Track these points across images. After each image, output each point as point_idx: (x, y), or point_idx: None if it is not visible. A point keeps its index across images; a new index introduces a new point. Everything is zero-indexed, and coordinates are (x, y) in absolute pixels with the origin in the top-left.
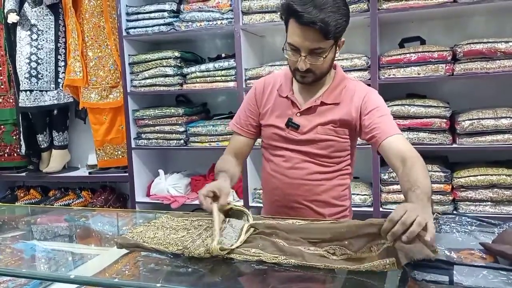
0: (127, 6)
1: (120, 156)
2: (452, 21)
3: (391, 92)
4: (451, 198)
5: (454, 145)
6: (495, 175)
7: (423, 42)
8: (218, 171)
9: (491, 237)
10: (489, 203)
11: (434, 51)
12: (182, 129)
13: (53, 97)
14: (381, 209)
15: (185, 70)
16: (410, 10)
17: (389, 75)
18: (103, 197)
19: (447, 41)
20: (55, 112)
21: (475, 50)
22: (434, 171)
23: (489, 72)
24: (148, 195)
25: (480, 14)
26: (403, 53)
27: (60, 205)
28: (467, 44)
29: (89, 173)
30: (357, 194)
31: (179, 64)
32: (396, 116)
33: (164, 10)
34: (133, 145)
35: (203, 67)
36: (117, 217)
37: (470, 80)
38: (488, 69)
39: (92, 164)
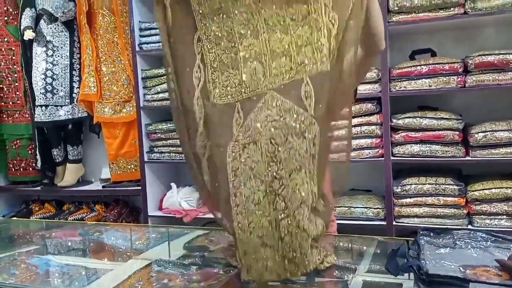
0: (140, 22)
1: (133, 170)
2: (463, 33)
3: (402, 104)
4: (465, 211)
5: (468, 158)
6: (510, 188)
7: (433, 54)
8: None
9: (507, 254)
10: (505, 216)
11: (445, 63)
12: None
13: (68, 112)
14: (394, 223)
15: None
16: (420, 22)
17: (400, 88)
18: (116, 211)
19: (458, 52)
20: (70, 126)
21: (486, 62)
22: (447, 184)
23: (501, 84)
24: (160, 208)
25: (491, 26)
26: (413, 65)
27: (74, 219)
28: (479, 56)
29: (103, 186)
30: (370, 208)
31: None
32: (408, 129)
33: None
34: (145, 159)
35: None
36: (131, 232)
37: (482, 91)
38: (500, 81)
39: (106, 178)
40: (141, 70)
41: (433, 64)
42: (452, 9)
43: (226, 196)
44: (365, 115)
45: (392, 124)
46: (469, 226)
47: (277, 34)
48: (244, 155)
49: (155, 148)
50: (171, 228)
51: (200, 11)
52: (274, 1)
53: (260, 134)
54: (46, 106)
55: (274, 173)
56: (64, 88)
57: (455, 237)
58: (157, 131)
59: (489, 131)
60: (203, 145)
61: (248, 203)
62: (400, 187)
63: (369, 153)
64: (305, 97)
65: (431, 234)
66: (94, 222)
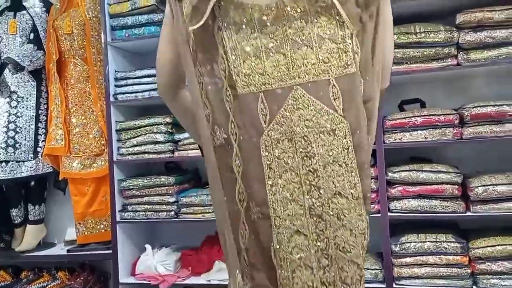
0: (115, 71)
1: (103, 230)
2: (452, 83)
3: (394, 155)
4: (469, 271)
5: (469, 213)
6: None
7: (423, 104)
8: None
9: None
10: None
11: (440, 115)
12: (173, 199)
13: (30, 167)
14: (394, 286)
15: (177, 137)
16: (412, 73)
17: (395, 139)
18: (82, 278)
19: (448, 103)
20: (32, 183)
21: (483, 113)
22: (449, 242)
23: (498, 136)
24: (133, 274)
25: (482, 77)
26: (407, 117)
27: None
28: (474, 107)
29: (67, 250)
30: (367, 269)
31: (171, 130)
32: (405, 183)
33: (155, 75)
34: (118, 218)
35: None
36: None
37: (478, 143)
38: (498, 133)
39: (71, 239)
40: (116, 121)
41: (428, 115)
42: (445, 60)
43: (259, 185)
44: None
45: (388, 178)
46: (474, 287)
47: (297, 21)
48: (278, 150)
49: (128, 206)
50: None
51: None
52: None
53: (294, 133)
54: (7, 162)
55: (309, 167)
56: (28, 142)
57: None
58: (131, 187)
59: (490, 185)
60: (234, 132)
61: (284, 192)
62: (398, 245)
63: None
64: (333, 98)
65: None
66: None
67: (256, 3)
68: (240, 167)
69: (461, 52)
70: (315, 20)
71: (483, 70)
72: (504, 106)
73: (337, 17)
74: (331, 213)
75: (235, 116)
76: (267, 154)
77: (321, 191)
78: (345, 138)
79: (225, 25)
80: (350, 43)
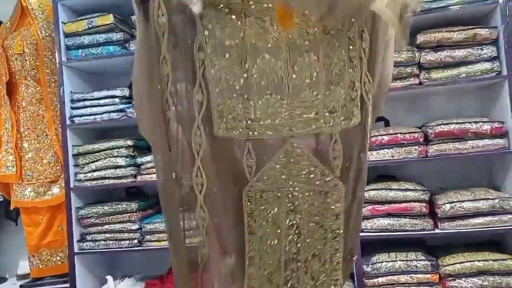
0: (71, 92)
1: (59, 263)
2: (415, 101)
3: None
4: None
5: (437, 230)
6: (482, 260)
7: (387, 122)
8: None
9: None
10: None
11: (406, 133)
12: (135, 226)
13: None
14: None
15: (139, 160)
16: None
17: None
18: None
19: (411, 120)
20: None
21: (446, 131)
22: (419, 260)
23: (462, 153)
24: None
25: (442, 95)
26: (374, 136)
27: None
28: (438, 125)
29: (20, 286)
30: None
31: (132, 154)
32: (374, 202)
33: (115, 96)
34: (76, 249)
35: None
36: None
37: (441, 159)
38: (461, 150)
39: (24, 273)
40: (72, 146)
41: (393, 134)
42: (408, 79)
43: (238, 235)
44: None
45: None
46: None
47: (304, 54)
48: (261, 201)
49: (87, 236)
50: None
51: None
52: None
53: (282, 189)
54: None
55: (292, 221)
56: None
57: None
58: (90, 215)
59: (456, 201)
60: (199, 181)
61: (262, 243)
62: (370, 265)
63: None
64: (333, 157)
65: None
66: None
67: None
68: (205, 221)
69: (422, 71)
70: (323, 54)
71: (444, 88)
72: (466, 123)
73: (349, 50)
74: (307, 272)
75: (203, 162)
76: (249, 204)
77: (300, 249)
78: (337, 203)
79: (210, 45)
80: (358, 87)
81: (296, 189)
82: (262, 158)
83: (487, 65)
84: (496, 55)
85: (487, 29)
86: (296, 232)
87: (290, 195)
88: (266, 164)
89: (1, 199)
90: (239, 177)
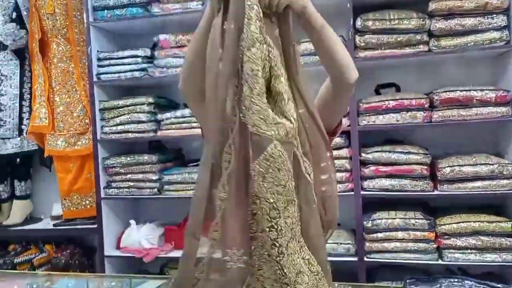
0: (98, 51)
1: (88, 206)
2: (426, 69)
3: (370, 138)
4: (435, 246)
5: (436, 192)
6: (478, 221)
7: (398, 88)
8: None
9: None
10: (474, 250)
11: (412, 99)
12: (156, 177)
13: (15, 144)
14: (365, 259)
15: (160, 116)
16: (387, 59)
17: (369, 122)
18: (68, 251)
19: (421, 87)
20: (18, 160)
21: (451, 97)
22: (417, 219)
23: (466, 120)
24: (118, 247)
25: (452, 63)
26: (381, 100)
27: (21, 261)
28: (444, 92)
29: (54, 225)
30: (340, 243)
31: (153, 110)
32: (377, 163)
33: (137, 56)
34: (102, 195)
35: (178, 113)
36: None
37: (447, 126)
38: (465, 116)
39: (57, 215)
40: (99, 101)
41: (400, 99)
42: (417, 46)
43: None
44: (334, 149)
45: (361, 158)
46: (439, 261)
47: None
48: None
49: (112, 183)
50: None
51: None
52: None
53: (262, 192)
54: None
55: (273, 239)
56: (13, 119)
57: (443, 285)
58: (115, 165)
59: (456, 165)
60: (227, 158)
61: (262, 251)
62: (370, 221)
63: (339, 187)
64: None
65: (418, 282)
66: (45, 273)
67: None
68: (223, 201)
69: (432, 39)
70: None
71: (453, 56)
72: (472, 91)
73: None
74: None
75: (234, 141)
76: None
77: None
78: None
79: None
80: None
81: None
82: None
83: (496, 34)
84: (506, 24)
85: None
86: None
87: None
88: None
89: (36, 148)
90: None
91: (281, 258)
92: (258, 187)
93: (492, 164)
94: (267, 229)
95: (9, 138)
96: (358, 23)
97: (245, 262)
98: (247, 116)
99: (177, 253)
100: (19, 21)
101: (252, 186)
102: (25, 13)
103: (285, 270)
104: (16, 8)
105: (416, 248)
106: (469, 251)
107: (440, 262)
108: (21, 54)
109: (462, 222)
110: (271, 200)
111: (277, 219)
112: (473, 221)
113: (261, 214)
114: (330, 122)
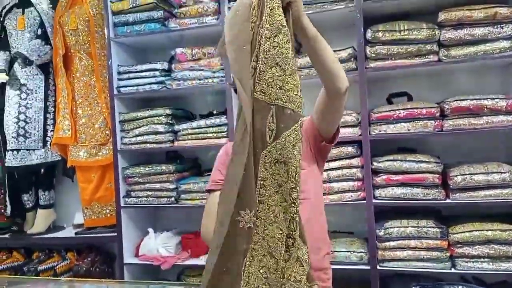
0: (118, 65)
1: (108, 215)
2: (437, 78)
3: (381, 146)
4: (448, 254)
5: (448, 200)
6: (490, 230)
7: (410, 97)
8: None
9: None
10: (487, 259)
11: (422, 108)
12: (173, 186)
13: (40, 156)
14: (378, 267)
15: (177, 127)
16: (397, 69)
17: (380, 131)
18: (89, 259)
19: (433, 96)
20: (42, 171)
21: (462, 106)
22: (429, 227)
23: (476, 128)
24: (137, 255)
25: (462, 72)
26: (392, 110)
27: (44, 268)
28: (454, 101)
29: (76, 233)
30: (353, 252)
31: (170, 121)
32: (389, 172)
33: (156, 69)
34: (122, 204)
35: (194, 124)
36: None
37: (458, 134)
38: (476, 125)
39: (79, 223)
40: (119, 113)
41: (411, 108)
42: (427, 56)
43: (250, 196)
44: (346, 158)
45: (373, 167)
46: (452, 269)
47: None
48: (274, 170)
49: (132, 193)
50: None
51: None
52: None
53: (292, 158)
54: (18, 150)
55: (295, 198)
56: (38, 131)
57: None
58: (134, 175)
59: (468, 174)
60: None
61: (269, 212)
62: (383, 230)
63: (351, 196)
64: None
65: None
66: (67, 278)
67: None
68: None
69: (442, 49)
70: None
71: (463, 66)
72: (482, 100)
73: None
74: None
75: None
76: (263, 170)
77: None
78: None
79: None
80: None
81: (300, 160)
82: (280, 126)
83: (505, 44)
84: None
85: (507, 8)
86: (296, 211)
87: (297, 167)
88: (282, 134)
89: (59, 159)
90: (262, 138)
91: (297, 215)
92: (288, 153)
93: (504, 173)
94: (290, 190)
95: (34, 150)
96: (369, 34)
97: (254, 222)
98: (279, 94)
99: (193, 261)
100: (44, 37)
101: (282, 154)
102: (49, 29)
103: (297, 224)
104: (41, 24)
105: (429, 256)
106: (482, 259)
107: (453, 270)
108: (46, 68)
109: (475, 230)
110: (296, 164)
111: (298, 183)
112: (486, 230)
113: (287, 177)
114: (327, 128)
